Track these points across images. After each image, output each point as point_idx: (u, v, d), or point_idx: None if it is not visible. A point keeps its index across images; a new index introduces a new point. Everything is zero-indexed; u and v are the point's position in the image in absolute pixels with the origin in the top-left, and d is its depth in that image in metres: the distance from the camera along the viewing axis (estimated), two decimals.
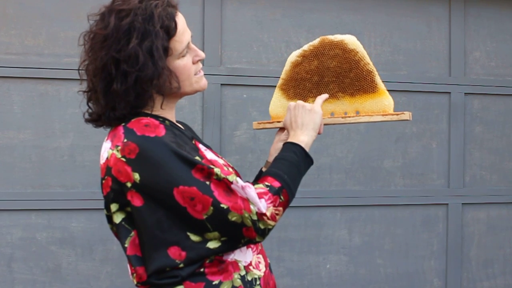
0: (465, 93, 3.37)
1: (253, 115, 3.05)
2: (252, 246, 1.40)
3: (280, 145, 1.55)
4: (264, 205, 1.28)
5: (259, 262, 1.41)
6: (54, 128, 2.79)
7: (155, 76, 1.28)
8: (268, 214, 1.29)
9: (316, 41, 1.57)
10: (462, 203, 3.38)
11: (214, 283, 1.31)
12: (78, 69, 1.37)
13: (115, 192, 1.30)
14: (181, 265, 1.28)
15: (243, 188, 1.28)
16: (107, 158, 1.31)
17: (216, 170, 1.27)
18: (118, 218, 1.32)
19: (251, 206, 1.27)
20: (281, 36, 3.10)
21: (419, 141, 3.32)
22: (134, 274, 1.33)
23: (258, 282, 1.37)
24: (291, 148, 1.43)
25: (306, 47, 1.58)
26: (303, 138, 1.46)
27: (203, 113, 2.96)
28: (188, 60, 1.37)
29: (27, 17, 2.76)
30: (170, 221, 1.27)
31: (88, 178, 2.82)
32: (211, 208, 1.25)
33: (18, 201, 2.74)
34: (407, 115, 1.52)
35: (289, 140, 1.47)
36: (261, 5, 3.08)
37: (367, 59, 1.53)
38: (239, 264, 1.35)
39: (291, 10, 3.12)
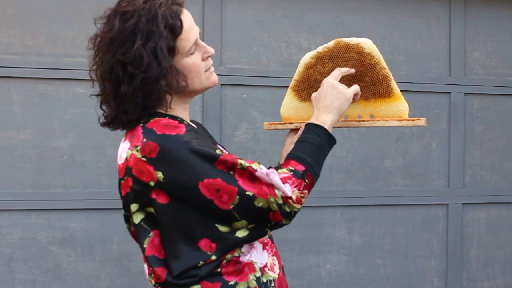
0: (465, 93, 3.37)
1: (253, 115, 3.05)
2: (267, 248, 1.41)
3: (292, 147, 1.53)
4: (289, 189, 1.29)
5: (274, 264, 1.42)
6: (54, 128, 2.79)
7: (161, 77, 1.29)
8: (294, 197, 1.29)
9: (331, 43, 1.55)
10: (462, 203, 3.38)
11: (230, 283, 1.31)
12: (90, 73, 1.38)
13: (136, 192, 1.30)
14: (213, 257, 1.29)
15: (267, 174, 1.28)
16: (126, 159, 1.31)
17: (239, 160, 1.28)
18: (137, 218, 1.33)
19: (276, 191, 1.28)
20: (281, 36, 3.10)
21: (419, 141, 3.32)
22: (152, 275, 1.33)
23: (272, 284, 1.38)
24: (313, 129, 1.41)
25: (320, 49, 1.55)
26: (327, 118, 1.42)
27: (203, 113, 2.96)
28: (197, 57, 1.36)
29: (27, 17, 2.76)
30: (198, 215, 1.28)
31: (88, 178, 2.82)
32: (237, 197, 1.26)
33: (18, 201, 2.74)
34: (422, 121, 1.50)
35: (312, 120, 1.44)
36: (261, 5, 3.08)
37: (383, 63, 1.52)
38: (255, 266, 1.36)
39: (291, 10, 3.12)
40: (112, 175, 2.70)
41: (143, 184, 1.28)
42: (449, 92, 3.35)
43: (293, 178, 1.31)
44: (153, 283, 1.34)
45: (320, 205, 3.15)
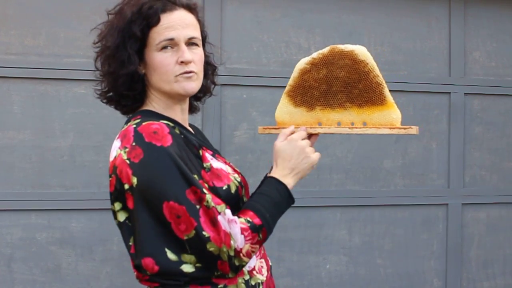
0: (465, 93, 3.37)
1: (253, 115, 3.05)
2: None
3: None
4: (242, 241, 1.28)
5: (262, 266, 1.43)
6: (54, 128, 2.79)
7: (125, 64, 1.36)
8: (244, 251, 1.29)
9: (325, 50, 1.56)
10: (462, 203, 3.38)
11: (219, 286, 1.32)
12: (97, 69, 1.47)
13: (118, 191, 1.33)
14: (147, 277, 1.31)
15: (229, 221, 1.27)
16: (115, 157, 1.33)
17: (208, 197, 1.27)
18: (122, 216, 1.36)
19: (232, 242, 1.27)
20: (281, 36, 3.10)
21: (419, 141, 3.32)
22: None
23: (260, 287, 1.40)
24: (276, 185, 1.40)
25: (315, 55, 1.57)
26: (290, 181, 1.42)
27: (203, 113, 2.96)
28: (170, 57, 1.37)
29: (27, 17, 2.76)
30: (153, 231, 1.28)
31: (88, 178, 2.82)
32: (193, 231, 1.25)
33: (18, 201, 2.74)
34: (414, 130, 1.52)
35: (275, 175, 1.42)
36: (261, 5, 3.08)
37: (377, 71, 1.53)
38: (243, 269, 1.36)
39: (291, 10, 3.12)
40: None
41: (122, 184, 1.31)
42: (449, 92, 3.35)
43: (249, 231, 1.30)
44: (139, 280, 1.37)
45: (320, 205, 3.15)
